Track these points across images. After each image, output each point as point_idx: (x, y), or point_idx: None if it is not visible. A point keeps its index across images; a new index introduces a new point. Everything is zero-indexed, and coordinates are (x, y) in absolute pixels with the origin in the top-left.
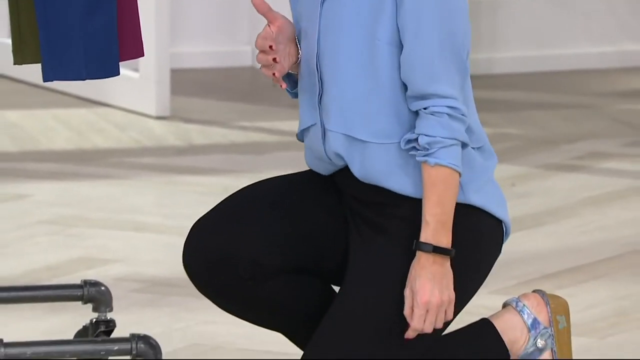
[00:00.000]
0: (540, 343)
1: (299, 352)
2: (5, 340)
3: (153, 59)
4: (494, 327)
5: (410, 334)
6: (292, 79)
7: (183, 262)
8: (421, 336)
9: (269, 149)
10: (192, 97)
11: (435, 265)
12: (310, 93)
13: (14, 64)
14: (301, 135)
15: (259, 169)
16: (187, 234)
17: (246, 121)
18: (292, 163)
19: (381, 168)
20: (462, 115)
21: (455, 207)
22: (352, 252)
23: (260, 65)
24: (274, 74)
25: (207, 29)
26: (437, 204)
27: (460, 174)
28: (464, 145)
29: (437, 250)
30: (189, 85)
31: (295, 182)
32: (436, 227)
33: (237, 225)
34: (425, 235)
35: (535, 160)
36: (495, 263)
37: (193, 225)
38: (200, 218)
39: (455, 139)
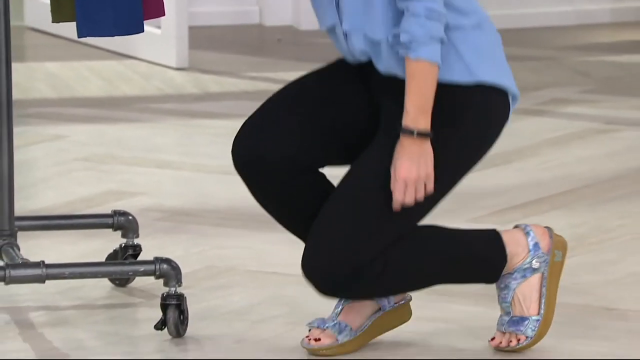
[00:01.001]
0: (535, 264)
1: (301, 272)
2: (46, 262)
3: (173, 17)
4: (501, 236)
5: (395, 206)
6: None
7: (232, 157)
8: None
9: None
10: (208, 51)
11: (413, 146)
12: None
13: (52, 21)
14: (327, 32)
15: None
16: (206, 166)
17: (254, 72)
18: None
19: (398, 62)
20: (439, 15)
21: (463, 86)
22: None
23: None
24: None
25: None
26: (416, 93)
27: (438, 67)
28: (443, 40)
29: (416, 133)
30: (205, 40)
31: (326, 78)
32: (415, 114)
33: (276, 126)
34: (406, 121)
35: None
36: (469, 195)
37: (241, 126)
38: (247, 119)
39: (432, 36)
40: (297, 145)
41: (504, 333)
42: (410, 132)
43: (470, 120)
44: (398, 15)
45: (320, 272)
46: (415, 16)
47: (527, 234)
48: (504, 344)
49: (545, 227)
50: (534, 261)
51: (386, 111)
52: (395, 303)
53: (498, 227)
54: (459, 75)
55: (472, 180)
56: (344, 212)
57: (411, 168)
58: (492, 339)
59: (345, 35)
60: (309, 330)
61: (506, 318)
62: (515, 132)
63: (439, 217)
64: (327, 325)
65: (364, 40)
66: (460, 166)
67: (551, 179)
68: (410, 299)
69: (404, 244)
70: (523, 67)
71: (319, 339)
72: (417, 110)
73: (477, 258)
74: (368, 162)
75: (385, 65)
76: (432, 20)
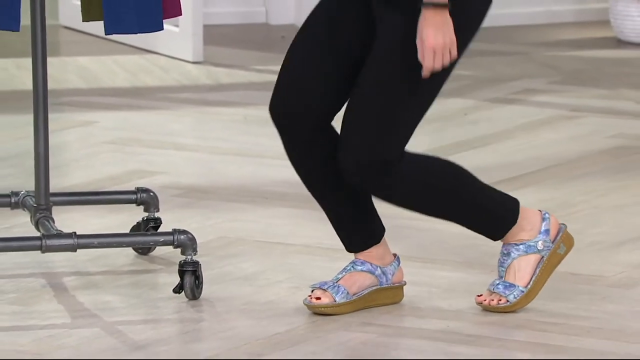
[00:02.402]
0: (540, 245)
1: (305, 243)
2: (77, 233)
3: (190, 17)
4: (519, 206)
5: (425, 73)
6: None
7: (270, 113)
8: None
9: None
10: (220, 46)
11: (437, 17)
12: None
13: (82, 21)
14: None
15: None
16: (218, 148)
17: (261, 65)
18: None
19: None
20: None
21: None
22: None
23: None
24: None
25: None
26: None
27: None
28: None
29: (435, 5)
30: (218, 37)
31: (332, 11)
32: None
33: (303, 81)
34: None
35: (482, 95)
36: None
37: (275, 87)
38: (278, 78)
39: None
40: (323, 91)
41: (491, 292)
42: (433, 4)
43: None
44: None
45: (356, 161)
46: None
47: (544, 219)
48: (486, 302)
49: (561, 223)
50: (539, 242)
51: (387, 17)
52: (393, 283)
53: None
54: None
55: (455, 161)
56: (371, 106)
57: (437, 36)
58: (479, 295)
59: None
60: (312, 290)
61: (497, 281)
62: (492, 118)
63: None
64: (327, 286)
65: None
66: (467, 38)
67: (523, 159)
68: (405, 284)
69: (436, 161)
70: (498, 60)
71: (319, 298)
72: None
73: (493, 211)
74: (379, 60)
75: None
76: None
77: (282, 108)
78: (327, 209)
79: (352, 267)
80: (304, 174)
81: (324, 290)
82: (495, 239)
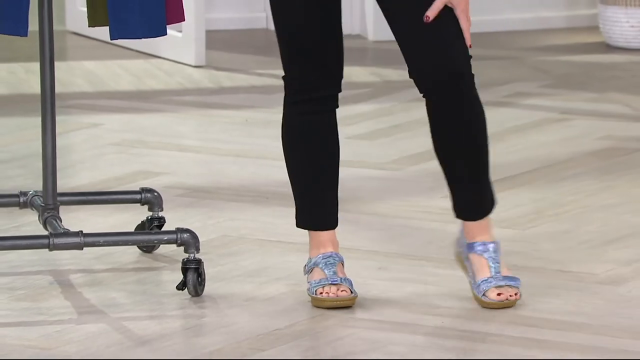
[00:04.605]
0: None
1: (303, 241)
2: (84, 232)
3: (192, 22)
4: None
5: (466, 34)
6: None
7: (286, 90)
8: None
9: (277, 90)
10: (222, 51)
11: None
12: None
13: (88, 26)
14: None
15: (271, 104)
16: (220, 149)
17: (261, 69)
18: None
19: None
20: None
21: None
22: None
23: None
24: None
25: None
26: None
27: None
28: None
29: None
30: (220, 42)
31: None
32: None
33: (303, 53)
34: None
35: None
36: None
37: (289, 67)
38: (291, 60)
39: None
40: (333, 64)
41: (500, 287)
42: None
43: None
44: None
45: (434, 79)
46: None
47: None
48: (512, 297)
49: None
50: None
51: None
52: None
53: None
54: None
55: None
56: (434, 26)
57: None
58: (499, 294)
59: None
60: (322, 287)
61: (500, 276)
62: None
63: (420, 193)
64: (339, 281)
65: None
66: None
67: (515, 160)
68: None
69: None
70: (491, 65)
71: (344, 291)
72: None
73: (490, 184)
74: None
75: None
76: None
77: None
78: (314, 182)
79: (334, 259)
80: (315, 140)
81: (338, 285)
82: (487, 210)
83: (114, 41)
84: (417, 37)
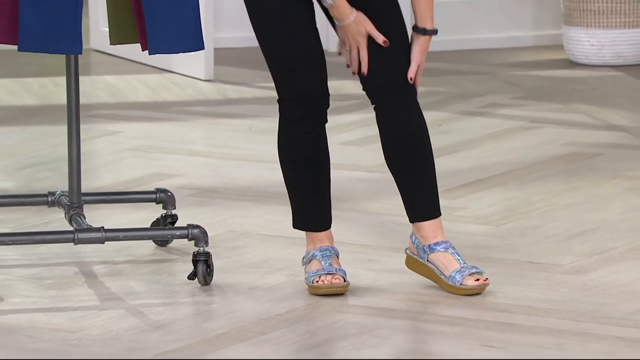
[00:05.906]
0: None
1: (301, 235)
2: (105, 228)
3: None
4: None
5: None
6: None
7: (291, 94)
8: None
9: None
10: (229, 66)
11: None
12: None
13: (110, 44)
14: None
15: (272, 114)
16: (227, 154)
17: (264, 83)
18: None
19: None
20: None
21: None
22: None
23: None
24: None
25: (239, 20)
26: (432, 8)
27: None
28: None
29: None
30: (227, 59)
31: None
32: (432, 20)
33: (311, 68)
34: (430, 26)
35: (454, 108)
36: None
37: (293, 75)
38: (294, 69)
39: None
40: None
41: (474, 274)
42: (431, 32)
43: None
44: None
45: (384, 84)
46: None
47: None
48: (486, 281)
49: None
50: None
51: None
52: None
53: (449, 202)
54: None
55: None
56: (403, 46)
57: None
58: (477, 279)
59: None
60: (319, 276)
61: (469, 264)
62: (463, 128)
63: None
64: (334, 271)
65: None
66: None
67: (490, 164)
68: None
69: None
70: (468, 79)
71: (338, 279)
72: (432, 19)
73: (436, 189)
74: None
75: None
76: None
77: (312, 87)
78: (314, 191)
79: (330, 252)
80: (314, 154)
81: (333, 274)
82: (436, 212)
83: (133, 57)
84: (371, 55)
